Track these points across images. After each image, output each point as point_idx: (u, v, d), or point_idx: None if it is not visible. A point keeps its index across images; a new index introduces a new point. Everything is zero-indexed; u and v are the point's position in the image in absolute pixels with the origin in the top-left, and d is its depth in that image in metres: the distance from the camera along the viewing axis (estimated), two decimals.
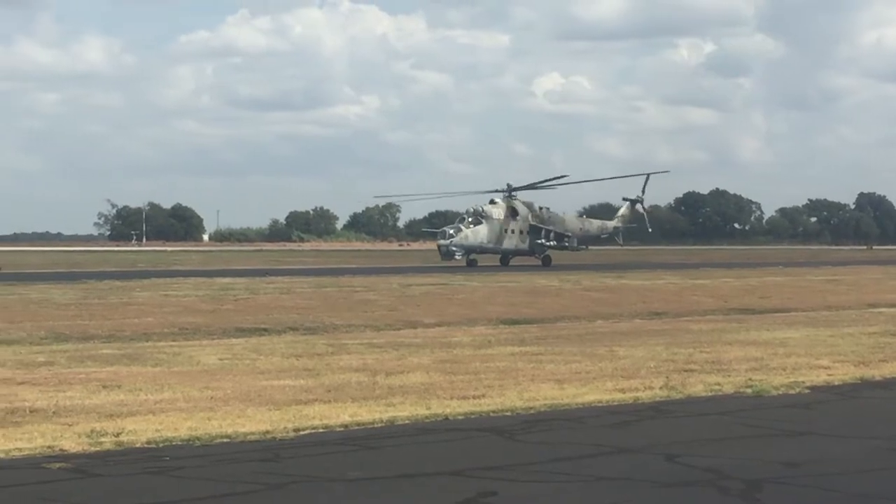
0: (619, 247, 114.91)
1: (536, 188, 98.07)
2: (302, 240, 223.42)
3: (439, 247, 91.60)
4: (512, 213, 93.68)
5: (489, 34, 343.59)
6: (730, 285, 58.21)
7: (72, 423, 16.15)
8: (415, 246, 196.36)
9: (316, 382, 20.60)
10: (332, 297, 46.68)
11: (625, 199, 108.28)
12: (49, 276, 67.56)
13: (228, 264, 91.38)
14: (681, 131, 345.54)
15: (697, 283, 59.88)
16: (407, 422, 16.64)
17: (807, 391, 20.05)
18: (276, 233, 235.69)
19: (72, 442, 14.75)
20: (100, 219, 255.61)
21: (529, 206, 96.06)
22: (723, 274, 72.85)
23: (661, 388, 20.01)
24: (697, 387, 20.21)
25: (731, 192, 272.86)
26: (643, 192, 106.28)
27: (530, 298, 46.53)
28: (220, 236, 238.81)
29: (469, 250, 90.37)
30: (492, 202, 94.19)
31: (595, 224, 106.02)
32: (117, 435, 15.22)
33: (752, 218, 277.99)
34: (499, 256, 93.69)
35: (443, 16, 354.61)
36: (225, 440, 15.13)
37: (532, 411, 17.62)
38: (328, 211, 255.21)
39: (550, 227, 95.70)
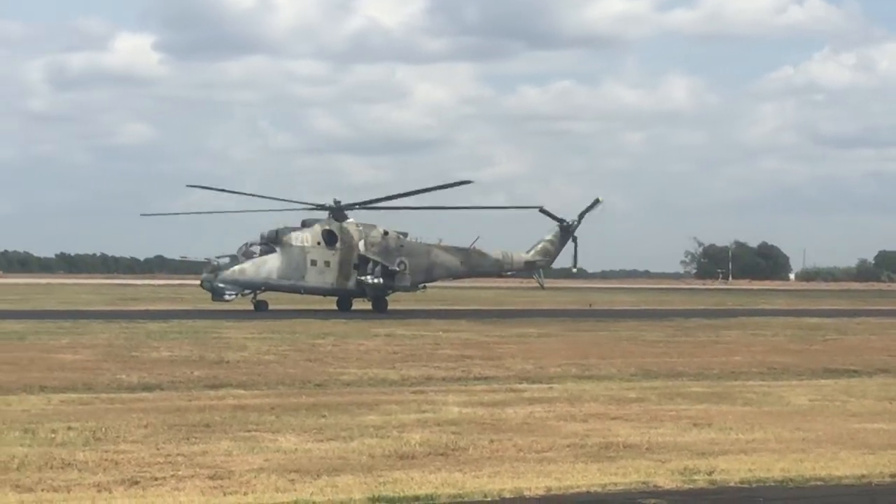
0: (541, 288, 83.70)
1: (369, 207, 71.15)
2: (892, 280, 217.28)
3: (202, 283, 67.97)
4: (328, 238, 68.39)
5: None
6: None
7: (664, 459, 16.37)
8: None
9: None
10: None
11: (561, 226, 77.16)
12: (637, 314, 69.03)
13: (816, 304, 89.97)
14: None
15: None
16: None
17: None
18: (864, 272, 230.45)
19: (665, 478, 14.96)
20: (686, 257, 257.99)
21: (364, 230, 69.42)
22: None
23: None
24: None
25: None
26: (580, 218, 76.72)
27: None
28: (807, 275, 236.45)
29: (248, 287, 67.04)
30: (304, 224, 69.05)
31: (490, 258, 75.00)
32: (710, 473, 15.33)
33: None
34: (336, 299, 70.37)
35: None
36: (818, 483, 14.92)
37: None
38: None
39: (383, 260, 68.40)
